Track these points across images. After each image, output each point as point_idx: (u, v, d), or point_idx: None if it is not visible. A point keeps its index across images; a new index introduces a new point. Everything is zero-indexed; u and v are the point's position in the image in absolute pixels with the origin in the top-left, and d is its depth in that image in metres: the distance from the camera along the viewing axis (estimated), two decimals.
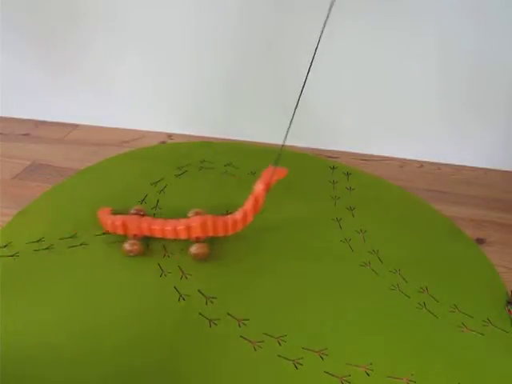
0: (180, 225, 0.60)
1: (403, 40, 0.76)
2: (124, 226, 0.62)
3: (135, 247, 0.61)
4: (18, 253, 0.62)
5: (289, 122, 0.57)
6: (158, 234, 0.61)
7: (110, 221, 0.62)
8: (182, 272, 0.59)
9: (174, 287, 0.57)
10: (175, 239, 0.61)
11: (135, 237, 0.62)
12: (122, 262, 0.60)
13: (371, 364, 0.48)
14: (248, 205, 0.59)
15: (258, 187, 0.58)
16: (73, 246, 0.63)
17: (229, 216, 0.60)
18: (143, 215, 0.65)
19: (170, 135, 0.95)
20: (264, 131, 0.91)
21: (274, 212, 0.70)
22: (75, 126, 0.98)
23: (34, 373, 0.47)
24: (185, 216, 0.64)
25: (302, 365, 0.48)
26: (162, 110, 0.94)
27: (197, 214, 0.64)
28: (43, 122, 1.00)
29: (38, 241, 0.64)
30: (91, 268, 0.60)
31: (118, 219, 0.62)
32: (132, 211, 0.66)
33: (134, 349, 0.50)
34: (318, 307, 0.55)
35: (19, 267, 0.60)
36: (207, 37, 0.84)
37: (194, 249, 0.60)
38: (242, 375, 0.47)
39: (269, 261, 0.61)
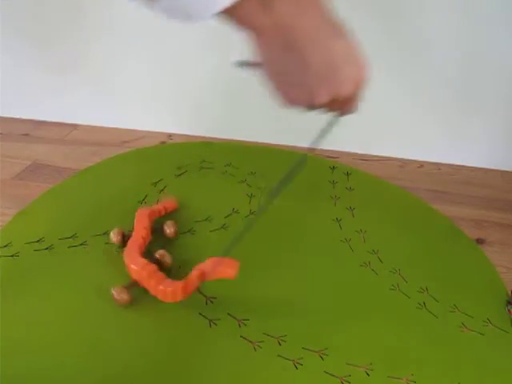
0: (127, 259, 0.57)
1: (403, 40, 0.76)
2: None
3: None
4: (18, 253, 0.62)
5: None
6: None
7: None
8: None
9: None
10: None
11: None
12: (122, 261, 0.60)
13: (371, 364, 0.48)
14: (179, 284, 0.53)
15: (192, 274, 0.53)
16: (73, 246, 0.63)
17: (168, 283, 0.53)
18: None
19: (169, 135, 0.95)
20: (264, 131, 0.91)
21: (274, 212, 0.70)
22: (75, 126, 0.98)
23: (35, 376, 0.47)
24: None
25: (302, 365, 0.48)
26: (162, 110, 0.94)
27: (160, 257, 0.58)
28: (43, 122, 1.00)
29: (38, 241, 0.64)
30: (91, 268, 0.60)
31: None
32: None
33: (134, 348, 0.50)
34: (317, 307, 0.55)
35: (19, 267, 0.59)
36: (207, 37, 0.84)
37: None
38: (242, 375, 0.47)
39: (269, 261, 0.61)
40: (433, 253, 0.63)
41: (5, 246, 0.62)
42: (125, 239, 0.61)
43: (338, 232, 0.66)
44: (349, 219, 0.69)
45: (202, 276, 0.52)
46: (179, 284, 0.53)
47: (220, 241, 0.64)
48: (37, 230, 0.65)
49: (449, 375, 0.48)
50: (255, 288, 0.57)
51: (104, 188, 0.76)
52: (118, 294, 0.53)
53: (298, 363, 0.48)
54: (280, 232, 0.66)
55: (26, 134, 0.95)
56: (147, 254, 0.58)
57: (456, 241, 0.66)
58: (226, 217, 0.69)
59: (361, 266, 0.61)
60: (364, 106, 0.84)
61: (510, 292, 0.57)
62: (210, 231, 0.66)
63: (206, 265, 0.52)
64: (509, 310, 0.54)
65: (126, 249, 0.58)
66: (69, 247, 0.63)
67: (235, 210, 0.70)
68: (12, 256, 0.61)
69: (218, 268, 0.51)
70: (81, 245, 0.63)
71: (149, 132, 0.96)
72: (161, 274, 0.54)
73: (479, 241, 0.67)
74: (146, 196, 0.73)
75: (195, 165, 0.81)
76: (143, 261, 0.55)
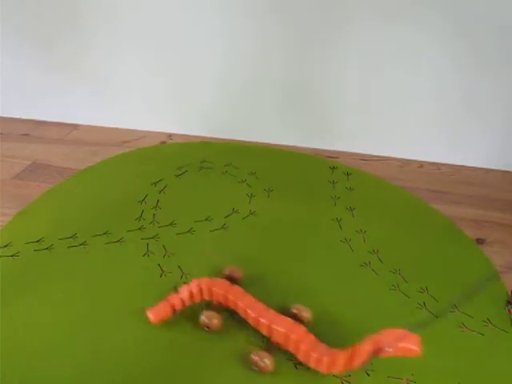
0: (265, 319, 0.49)
1: (403, 43, 0.76)
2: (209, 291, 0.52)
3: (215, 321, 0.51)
4: (18, 253, 0.62)
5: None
6: (241, 313, 0.51)
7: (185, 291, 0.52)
8: (182, 272, 0.59)
9: (174, 287, 0.57)
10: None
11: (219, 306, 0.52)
12: (122, 261, 0.61)
13: (371, 364, 0.48)
14: (341, 354, 0.45)
15: (364, 346, 0.43)
16: (73, 246, 0.63)
17: (322, 350, 0.46)
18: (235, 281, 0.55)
19: (169, 135, 0.95)
20: (264, 131, 0.91)
21: (274, 212, 0.70)
22: (75, 126, 0.98)
23: (35, 376, 0.47)
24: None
25: (302, 365, 0.48)
26: (162, 110, 0.94)
27: (298, 313, 0.51)
28: (43, 122, 1.00)
29: (38, 241, 0.64)
30: (91, 268, 0.60)
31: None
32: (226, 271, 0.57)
33: (133, 349, 0.50)
34: (317, 307, 0.54)
35: (19, 267, 0.60)
36: (207, 37, 0.84)
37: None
38: (242, 375, 0.47)
39: (268, 260, 0.61)
40: (433, 253, 0.63)
41: (5, 246, 0.62)
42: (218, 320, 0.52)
43: (338, 232, 0.66)
44: (349, 219, 0.69)
45: (377, 351, 0.42)
46: (341, 354, 0.44)
47: (220, 241, 0.64)
48: (37, 230, 0.66)
49: (449, 375, 0.48)
50: (255, 288, 0.57)
51: (104, 188, 0.76)
52: (261, 359, 0.47)
53: (298, 363, 0.48)
54: (280, 232, 0.66)
55: (26, 134, 0.95)
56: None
57: (456, 241, 0.66)
58: (225, 217, 0.69)
59: (361, 265, 0.61)
60: (364, 107, 0.84)
61: (509, 292, 0.57)
62: (210, 231, 0.66)
63: (383, 338, 0.42)
64: (509, 310, 0.54)
65: (252, 311, 0.49)
66: (69, 247, 0.63)
67: (235, 209, 0.70)
68: (12, 256, 0.61)
69: (400, 344, 0.41)
70: (81, 245, 0.63)
71: (149, 132, 0.96)
72: (312, 338, 0.47)
73: (479, 241, 0.66)
74: (146, 196, 0.73)
75: (195, 165, 0.81)
76: (289, 321, 0.48)
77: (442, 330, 0.52)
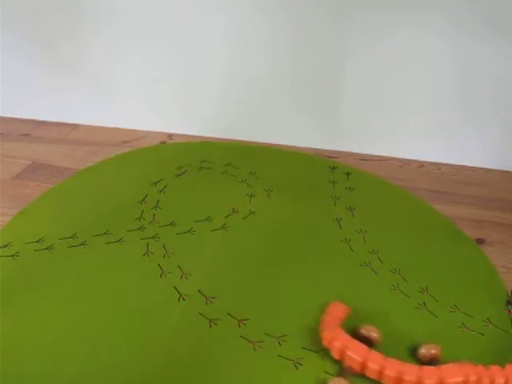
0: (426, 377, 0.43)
1: (403, 43, 0.77)
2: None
3: None
4: (18, 253, 0.62)
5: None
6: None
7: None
8: (182, 272, 0.59)
9: (174, 287, 0.57)
10: None
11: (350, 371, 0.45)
12: (122, 262, 0.61)
13: None
14: None
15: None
16: (73, 246, 0.63)
17: None
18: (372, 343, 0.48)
19: (170, 135, 0.95)
20: (265, 131, 0.91)
21: (274, 212, 0.70)
22: (75, 126, 0.98)
23: (35, 377, 0.47)
24: None
25: (302, 365, 0.48)
26: (162, 110, 0.94)
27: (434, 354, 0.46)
28: (43, 122, 1.00)
29: (37, 241, 0.64)
30: (91, 268, 0.60)
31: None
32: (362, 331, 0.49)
33: (133, 349, 0.50)
34: (317, 307, 0.55)
35: (19, 267, 0.60)
36: (207, 36, 0.84)
37: None
38: (242, 375, 0.47)
39: (268, 260, 0.61)
40: (433, 253, 0.63)
41: (5, 246, 0.62)
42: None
43: (338, 232, 0.66)
44: (349, 219, 0.69)
45: None
46: None
47: (220, 241, 0.64)
48: (37, 230, 0.65)
49: None
50: (255, 288, 0.57)
51: (104, 188, 0.76)
52: None
53: (298, 363, 0.48)
54: (280, 232, 0.66)
55: (26, 134, 0.95)
56: None
57: (456, 241, 0.66)
58: (226, 217, 0.69)
59: (361, 265, 0.61)
60: (364, 106, 0.84)
61: (510, 292, 0.57)
62: (210, 231, 0.66)
63: None
64: (509, 310, 0.54)
65: (411, 376, 0.42)
66: (69, 247, 0.63)
67: (235, 209, 0.70)
68: (12, 256, 0.61)
69: None
70: (81, 245, 0.63)
71: (149, 132, 0.96)
72: None
73: (479, 241, 0.67)
74: (146, 196, 0.73)
75: (195, 165, 0.81)
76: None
77: (442, 329, 0.52)
